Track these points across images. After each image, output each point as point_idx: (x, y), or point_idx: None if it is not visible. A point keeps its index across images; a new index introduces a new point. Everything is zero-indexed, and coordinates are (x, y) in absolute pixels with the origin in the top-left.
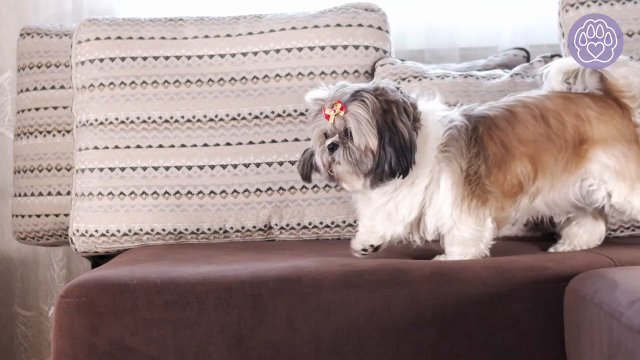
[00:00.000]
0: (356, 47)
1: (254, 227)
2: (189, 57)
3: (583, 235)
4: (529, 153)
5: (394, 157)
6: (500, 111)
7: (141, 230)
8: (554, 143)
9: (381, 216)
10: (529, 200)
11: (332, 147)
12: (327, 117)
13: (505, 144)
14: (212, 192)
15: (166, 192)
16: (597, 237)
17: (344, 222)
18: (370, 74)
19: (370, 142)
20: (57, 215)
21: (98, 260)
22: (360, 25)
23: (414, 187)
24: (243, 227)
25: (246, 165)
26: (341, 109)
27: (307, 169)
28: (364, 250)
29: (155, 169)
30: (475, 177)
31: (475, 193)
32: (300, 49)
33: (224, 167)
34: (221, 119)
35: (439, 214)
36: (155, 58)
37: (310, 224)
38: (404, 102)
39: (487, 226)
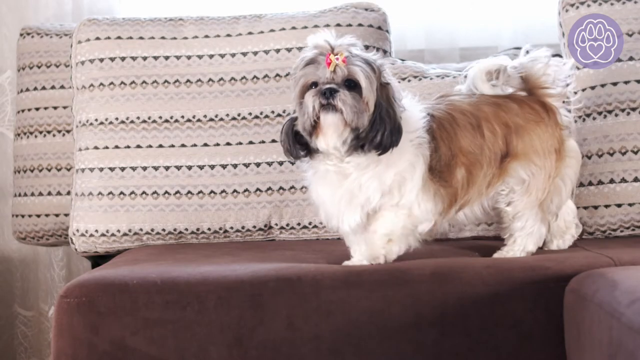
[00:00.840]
0: None
1: (254, 226)
2: (189, 57)
3: (559, 223)
4: (466, 164)
5: (388, 129)
6: (442, 113)
7: (141, 230)
8: (485, 157)
9: (345, 198)
10: (454, 211)
11: (331, 91)
12: (329, 64)
13: (450, 147)
14: (212, 192)
15: (166, 192)
16: (571, 215)
17: None
18: None
19: (370, 102)
20: (57, 215)
21: (98, 260)
22: (360, 25)
23: (389, 170)
24: (243, 227)
25: (246, 165)
26: (343, 60)
27: (291, 139)
28: None
29: (155, 168)
30: (437, 169)
31: (437, 180)
32: (300, 49)
33: (224, 167)
34: (221, 119)
35: (406, 199)
36: (155, 58)
37: (310, 223)
38: (397, 84)
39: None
